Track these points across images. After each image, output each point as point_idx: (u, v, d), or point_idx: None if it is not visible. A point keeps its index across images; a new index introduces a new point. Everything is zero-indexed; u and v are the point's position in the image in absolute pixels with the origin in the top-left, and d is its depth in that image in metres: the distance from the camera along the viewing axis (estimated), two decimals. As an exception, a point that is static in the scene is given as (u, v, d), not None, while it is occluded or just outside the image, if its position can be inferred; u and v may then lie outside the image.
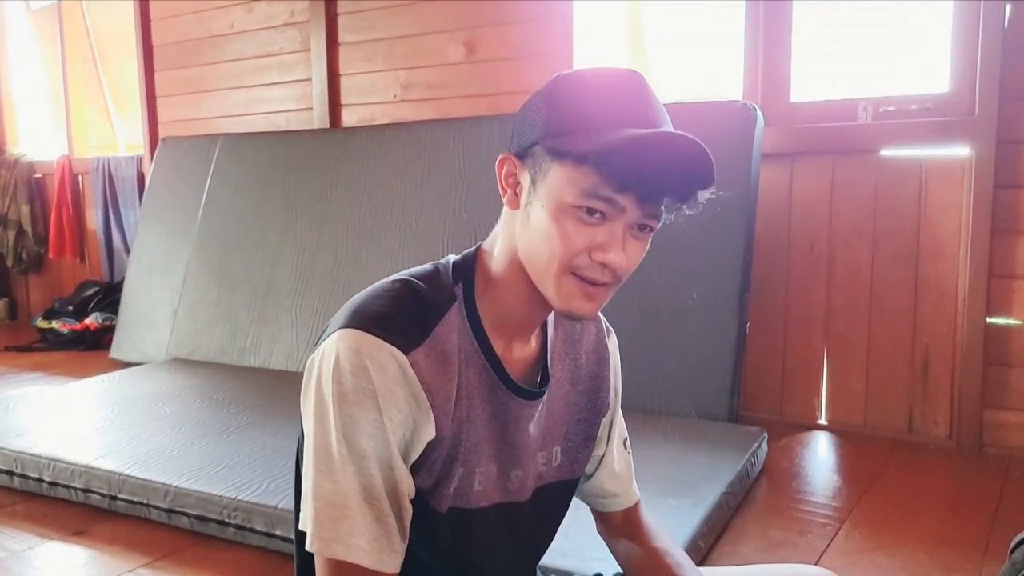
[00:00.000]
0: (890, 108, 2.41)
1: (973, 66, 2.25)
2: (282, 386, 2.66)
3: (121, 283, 3.64)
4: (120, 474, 1.86)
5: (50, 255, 4.41)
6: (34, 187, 4.49)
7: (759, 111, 2.36)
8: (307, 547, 0.76)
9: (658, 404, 2.27)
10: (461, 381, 0.81)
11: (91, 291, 4.01)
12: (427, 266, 0.85)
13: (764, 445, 2.12)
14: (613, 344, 1.00)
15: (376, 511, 0.75)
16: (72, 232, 4.31)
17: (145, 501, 1.81)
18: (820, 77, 2.55)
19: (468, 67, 3.00)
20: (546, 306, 0.83)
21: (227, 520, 1.71)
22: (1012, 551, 1.01)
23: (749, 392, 2.55)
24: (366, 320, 0.77)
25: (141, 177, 3.97)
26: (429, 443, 0.78)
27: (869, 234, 2.43)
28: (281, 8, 3.43)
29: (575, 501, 1.00)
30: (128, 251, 3.91)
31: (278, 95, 3.50)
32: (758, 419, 2.45)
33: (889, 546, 1.68)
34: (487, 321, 0.83)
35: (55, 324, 3.88)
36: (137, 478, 1.84)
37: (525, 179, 0.79)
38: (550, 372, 0.90)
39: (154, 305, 3.34)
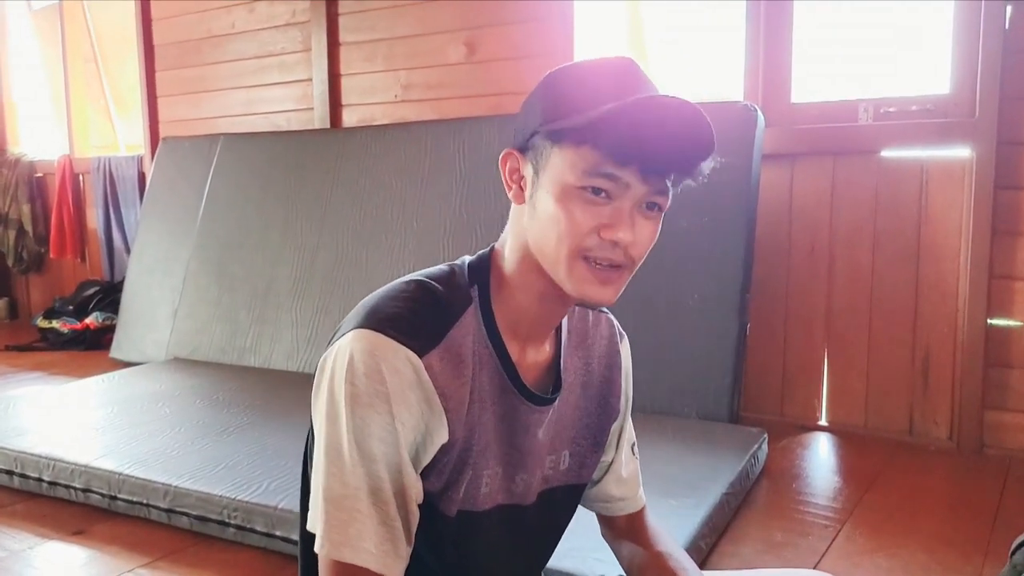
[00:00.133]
0: (891, 109, 2.41)
1: (974, 67, 2.25)
2: (282, 386, 2.66)
3: (121, 283, 3.64)
4: (120, 474, 1.86)
5: (51, 255, 4.42)
6: (35, 187, 4.49)
7: (760, 112, 2.36)
8: (316, 549, 0.75)
9: (658, 404, 2.27)
10: (474, 384, 0.80)
11: (91, 291, 4.01)
12: (442, 267, 0.84)
13: (764, 446, 2.12)
14: (625, 348, 0.99)
15: (383, 515, 0.74)
16: (73, 232, 4.31)
17: (145, 501, 1.81)
18: (821, 78, 2.55)
19: (469, 67, 3.00)
20: (560, 303, 0.82)
21: (227, 520, 1.71)
22: (1013, 553, 1.01)
23: (750, 392, 2.55)
24: (381, 321, 0.76)
25: (142, 177, 3.97)
26: (441, 447, 0.78)
27: (870, 235, 2.42)
28: (282, 8, 3.43)
29: None
30: (128, 251, 3.91)
31: (279, 95, 3.50)
32: (758, 420, 2.45)
33: (890, 547, 1.67)
34: (502, 324, 0.82)
35: (55, 324, 3.88)
36: (137, 478, 1.83)
37: (528, 171, 0.79)
38: (562, 378, 0.89)
39: (154, 305, 3.34)
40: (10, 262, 4.58)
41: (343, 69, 3.31)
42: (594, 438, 0.94)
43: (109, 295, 3.96)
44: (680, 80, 2.94)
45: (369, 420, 0.74)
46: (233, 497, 1.71)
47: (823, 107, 2.50)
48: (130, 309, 3.43)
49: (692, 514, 1.61)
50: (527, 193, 0.79)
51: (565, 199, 0.74)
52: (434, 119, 3.01)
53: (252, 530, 1.68)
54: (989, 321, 2.26)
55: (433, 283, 0.81)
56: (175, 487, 1.78)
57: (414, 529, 0.78)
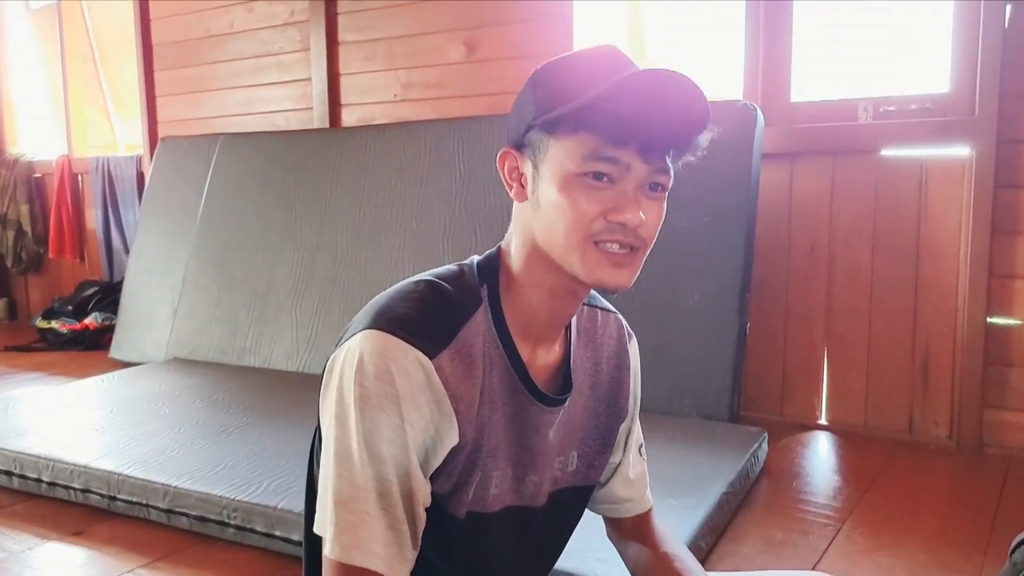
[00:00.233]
0: (890, 108, 2.41)
1: (973, 66, 2.25)
2: (282, 386, 2.66)
3: (121, 283, 3.64)
4: (119, 474, 1.85)
5: (50, 255, 4.41)
6: (33, 187, 4.49)
7: (759, 111, 2.36)
8: (326, 553, 0.74)
9: (658, 404, 2.26)
10: (484, 385, 0.79)
11: (90, 291, 4.01)
12: (452, 267, 0.84)
13: (764, 445, 2.12)
14: (634, 349, 0.98)
15: (390, 518, 0.74)
16: (72, 232, 4.31)
17: (144, 501, 1.81)
18: (820, 77, 2.55)
19: (468, 67, 3.00)
20: (571, 299, 0.82)
21: (226, 521, 1.70)
22: (1012, 551, 1.00)
23: (749, 392, 2.55)
24: (391, 322, 0.75)
25: (141, 177, 3.97)
26: (452, 448, 0.77)
27: (869, 234, 2.42)
28: (281, 8, 3.42)
29: None
30: (127, 251, 3.90)
31: (278, 95, 3.50)
32: (758, 419, 2.45)
33: (890, 546, 1.67)
34: (512, 324, 0.82)
35: (54, 324, 3.88)
36: (136, 478, 1.83)
37: (527, 168, 0.79)
38: (572, 378, 0.88)
39: (154, 305, 3.34)
40: (9, 262, 4.57)
41: (342, 68, 3.31)
42: (602, 439, 0.94)
43: (108, 295, 3.96)
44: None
45: (378, 422, 0.73)
46: (233, 497, 1.71)
47: (822, 106, 2.50)
48: (129, 309, 3.42)
49: (692, 513, 1.61)
50: (529, 189, 0.79)
51: (568, 188, 0.74)
52: (434, 118, 3.01)
53: (252, 530, 1.68)
54: (989, 320, 2.26)
55: (443, 283, 0.80)
56: (175, 487, 1.78)
57: (420, 532, 0.77)
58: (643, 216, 0.75)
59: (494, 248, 0.85)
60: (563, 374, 0.88)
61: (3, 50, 4.69)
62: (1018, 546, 1.00)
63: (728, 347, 2.25)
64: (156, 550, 1.70)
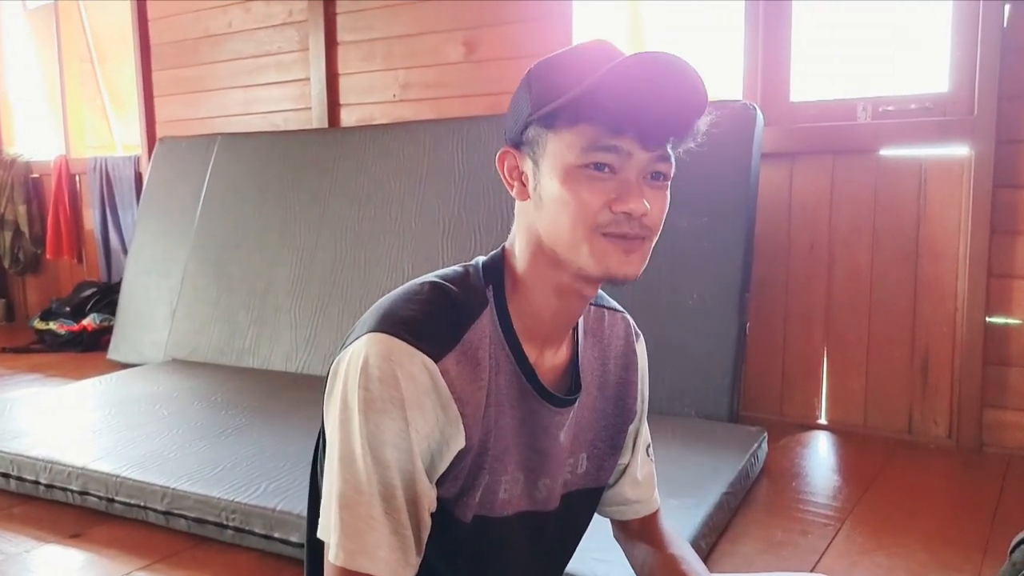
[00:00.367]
0: (889, 108, 2.41)
1: (972, 66, 2.25)
2: (281, 387, 2.65)
3: (119, 284, 3.63)
4: (117, 476, 1.85)
5: (47, 256, 4.40)
6: (31, 187, 4.48)
7: (759, 111, 2.35)
8: (331, 559, 0.73)
9: (658, 404, 2.26)
10: (491, 387, 0.78)
11: (88, 292, 4.00)
12: (456, 268, 0.83)
13: (764, 445, 2.11)
14: (641, 348, 0.97)
15: (395, 523, 0.73)
16: (69, 232, 4.30)
17: (143, 503, 1.80)
18: (820, 77, 2.55)
19: (467, 67, 2.99)
20: (577, 297, 0.81)
21: (225, 522, 1.70)
22: (1012, 551, 1.00)
23: (749, 392, 2.55)
24: (396, 324, 0.74)
25: (139, 177, 3.96)
26: (458, 453, 0.76)
27: (869, 234, 2.42)
28: (279, 7, 3.42)
29: None
30: (126, 251, 3.90)
31: (276, 95, 3.49)
32: (758, 419, 2.45)
33: (889, 546, 1.67)
34: (519, 325, 0.81)
35: (52, 325, 3.87)
36: (135, 480, 1.82)
37: (527, 165, 0.78)
38: (581, 379, 0.87)
39: (152, 306, 3.33)
40: (6, 263, 4.56)
41: (341, 68, 3.30)
42: (611, 440, 0.93)
43: (106, 296, 3.95)
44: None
45: (383, 426, 0.72)
46: (231, 499, 1.70)
47: (822, 106, 2.50)
48: (127, 310, 3.42)
49: (692, 513, 1.61)
50: (530, 187, 0.78)
51: (570, 181, 0.74)
52: (433, 118, 3.01)
53: (250, 532, 1.67)
54: (988, 319, 2.26)
55: (448, 284, 0.79)
56: (173, 489, 1.77)
57: (425, 538, 0.76)
58: (647, 205, 0.74)
59: (498, 249, 0.85)
60: (571, 375, 0.87)
61: (0, 50, 4.68)
62: (1017, 545, 1.00)
63: (728, 347, 2.25)
64: (154, 552, 1.70)
